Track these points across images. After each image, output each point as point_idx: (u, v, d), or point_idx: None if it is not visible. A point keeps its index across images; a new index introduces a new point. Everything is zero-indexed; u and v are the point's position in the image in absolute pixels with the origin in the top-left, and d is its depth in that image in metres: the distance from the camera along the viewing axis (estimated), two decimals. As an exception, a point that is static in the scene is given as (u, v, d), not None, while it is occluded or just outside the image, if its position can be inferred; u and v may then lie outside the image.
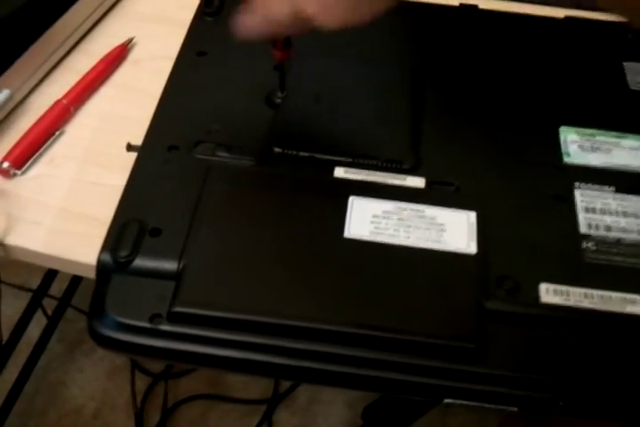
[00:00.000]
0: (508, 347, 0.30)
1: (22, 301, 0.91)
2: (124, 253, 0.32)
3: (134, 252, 0.32)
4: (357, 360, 0.30)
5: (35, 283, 0.91)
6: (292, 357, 0.30)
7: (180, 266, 0.31)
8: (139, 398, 0.89)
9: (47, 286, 0.91)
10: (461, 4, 0.46)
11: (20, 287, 0.92)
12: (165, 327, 0.30)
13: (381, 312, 0.31)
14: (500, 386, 0.30)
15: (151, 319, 0.30)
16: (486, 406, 0.30)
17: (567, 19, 0.46)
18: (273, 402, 0.89)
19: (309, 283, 0.31)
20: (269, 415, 0.89)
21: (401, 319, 0.30)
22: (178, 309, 0.30)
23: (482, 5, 0.46)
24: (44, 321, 0.91)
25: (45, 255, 0.36)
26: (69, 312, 0.94)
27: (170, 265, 0.32)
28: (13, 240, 0.36)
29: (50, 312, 0.92)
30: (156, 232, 0.33)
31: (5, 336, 0.87)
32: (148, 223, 0.33)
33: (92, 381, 0.92)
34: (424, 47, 0.43)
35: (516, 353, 0.30)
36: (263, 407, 0.89)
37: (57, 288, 0.93)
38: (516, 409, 0.30)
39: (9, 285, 0.92)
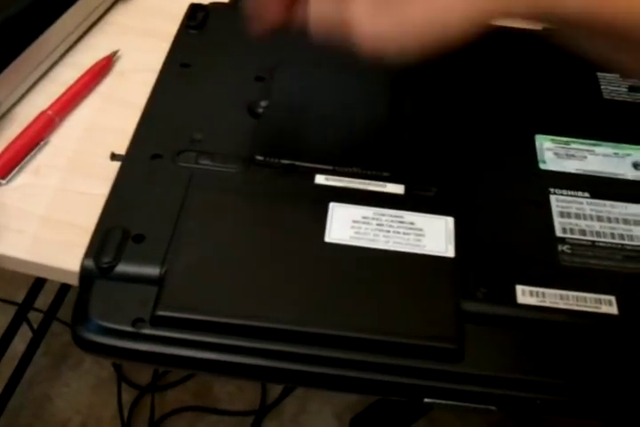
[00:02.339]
0: (486, 347, 0.31)
1: (8, 315, 0.90)
2: (106, 259, 0.32)
3: (117, 257, 0.32)
4: (338, 362, 0.30)
5: (20, 296, 0.91)
6: (273, 359, 0.30)
7: (163, 271, 0.32)
8: (125, 411, 0.89)
9: (32, 300, 0.91)
10: None
11: (5, 301, 0.91)
12: (148, 331, 0.30)
13: (362, 314, 0.31)
14: (478, 385, 0.30)
15: (134, 323, 0.31)
16: (465, 405, 0.31)
17: (544, 30, 0.47)
18: (260, 413, 0.89)
19: (291, 286, 0.32)
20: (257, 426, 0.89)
21: (381, 320, 0.31)
22: (160, 312, 0.31)
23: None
24: (29, 335, 0.91)
25: (30, 263, 0.36)
26: (55, 326, 0.94)
27: (152, 270, 0.32)
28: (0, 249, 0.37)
29: (35, 326, 0.91)
30: (138, 238, 0.33)
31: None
32: (131, 230, 0.33)
33: (78, 394, 0.91)
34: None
35: (493, 353, 0.31)
36: (251, 419, 0.89)
37: (42, 302, 0.93)
38: (494, 408, 0.31)
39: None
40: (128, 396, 0.90)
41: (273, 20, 0.32)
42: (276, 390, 0.90)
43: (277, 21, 0.32)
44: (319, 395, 0.91)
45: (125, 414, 0.89)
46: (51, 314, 0.93)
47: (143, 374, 0.91)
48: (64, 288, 0.94)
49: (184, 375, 0.91)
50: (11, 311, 0.90)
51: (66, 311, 0.94)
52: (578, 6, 0.25)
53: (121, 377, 0.91)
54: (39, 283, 0.91)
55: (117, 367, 0.91)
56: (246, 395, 0.91)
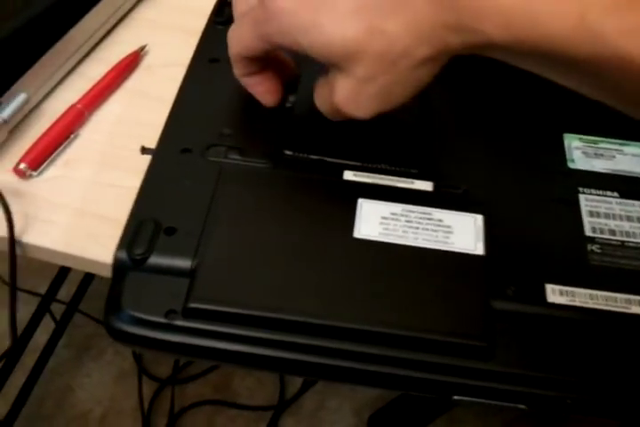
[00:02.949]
0: (516, 345, 0.31)
1: (31, 306, 0.92)
2: (139, 251, 0.32)
3: (149, 250, 0.33)
4: (368, 357, 0.31)
5: (43, 288, 0.92)
6: (303, 352, 0.31)
7: (194, 263, 0.32)
8: (145, 404, 0.90)
9: (55, 291, 0.92)
10: None
11: (29, 292, 0.93)
12: (180, 322, 0.31)
13: (391, 309, 0.31)
14: (508, 384, 0.30)
15: (166, 315, 0.31)
16: (494, 403, 0.31)
17: None
18: (279, 409, 0.90)
19: (321, 280, 0.32)
20: (275, 422, 0.89)
21: (410, 317, 0.31)
22: (192, 304, 0.31)
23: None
24: (52, 326, 0.92)
25: (61, 253, 0.37)
26: (77, 317, 0.95)
27: (184, 263, 0.32)
28: (30, 239, 0.37)
29: (58, 317, 0.92)
30: (170, 231, 0.34)
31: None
32: (162, 222, 0.34)
33: (100, 385, 0.93)
34: None
35: (523, 351, 0.31)
36: (269, 414, 0.90)
37: (65, 293, 0.94)
38: (524, 407, 0.31)
39: (18, 290, 0.92)
40: (148, 388, 0.91)
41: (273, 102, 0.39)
42: (295, 385, 0.91)
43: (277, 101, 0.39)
44: (338, 391, 0.92)
45: (145, 406, 0.90)
46: (73, 305, 0.94)
47: (164, 367, 0.92)
48: (86, 280, 0.95)
49: (204, 369, 0.92)
50: (34, 303, 0.91)
51: (88, 303, 0.95)
52: (502, 37, 0.28)
53: (142, 369, 0.92)
54: (62, 275, 0.92)
55: (138, 359, 0.92)
56: (265, 390, 0.92)
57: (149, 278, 0.32)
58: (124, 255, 0.33)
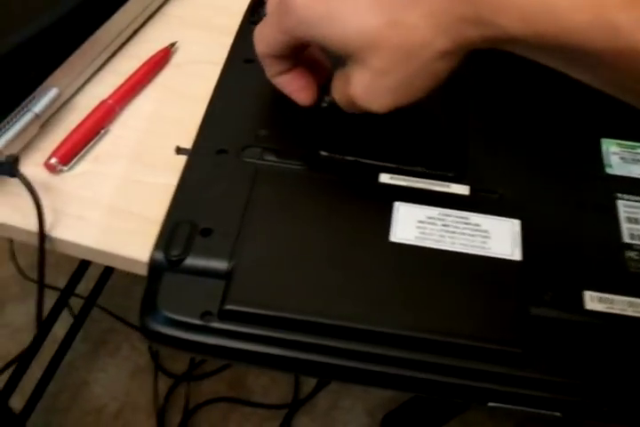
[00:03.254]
0: (553, 352, 0.31)
1: (50, 299, 0.92)
2: (175, 252, 0.32)
3: (186, 251, 0.32)
4: (404, 362, 0.30)
5: (62, 282, 0.92)
6: (339, 356, 0.31)
7: (231, 265, 0.32)
8: (160, 399, 0.90)
9: (74, 286, 0.93)
10: None
11: (48, 286, 0.93)
12: (216, 324, 0.31)
13: (428, 314, 0.31)
14: (543, 391, 0.30)
15: (202, 316, 0.31)
16: (530, 410, 0.30)
17: None
18: (293, 407, 0.90)
19: (357, 284, 0.32)
20: (289, 420, 0.89)
21: (447, 322, 0.31)
22: (229, 306, 0.31)
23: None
24: (69, 320, 0.92)
25: (90, 249, 0.37)
26: (95, 312, 0.95)
27: (220, 264, 0.32)
28: (59, 234, 0.37)
29: (76, 311, 0.93)
30: (206, 232, 0.33)
31: (32, 334, 0.88)
32: (198, 224, 0.34)
33: (115, 381, 0.93)
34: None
35: (560, 358, 0.30)
36: (283, 412, 0.90)
37: (84, 288, 0.94)
38: (559, 415, 0.30)
39: (37, 283, 0.93)
40: (164, 384, 0.92)
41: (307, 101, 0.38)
42: (309, 384, 0.91)
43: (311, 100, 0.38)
44: (352, 391, 0.92)
45: (160, 402, 0.90)
46: (91, 300, 0.94)
47: (179, 363, 0.93)
48: (105, 275, 0.95)
49: (219, 366, 0.92)
50: (52, 297, 0.91)
51: (106, 298, 0.95)
52: (520, 30, 0.28)
53: (157, 366, 0.92)
54: (81, 269, 0.93)
55: (154, 356, 0.93)
56: (280, 388, 0.92)
57: (185, 280, 0.32)
58: (160, 256, 0.32)
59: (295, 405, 0.90)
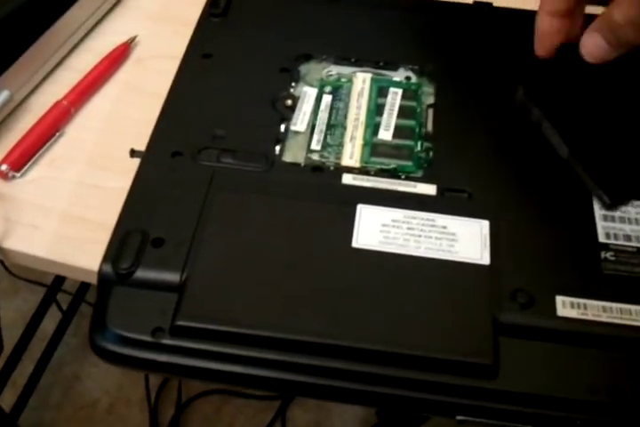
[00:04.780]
0: (523, 362, 0.29)
1: (38, 295, 0.91)
2: (125, 265, 0.31)
3: (136, 263, 0.31)
4: (366, 376, 0.29)
5: (49, 278, 0.92)
6: (298, 372, 0.29)
7: (183, 278, 0.31)
8: (153, 393, 0.90)
9: (61, 282, 0.92)
10: (476, 2, 0.44)
11: (36, 282, 0.92)
12: (167, 341, 0.29)
13: (390, 326, 0.29)
14: (514, 404, 0.29)
15: (153, 333, 0.29)
16: (500, 423, 0.29)
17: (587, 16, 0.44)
18: (287, 398, 0.89)
19: (317, 295, 0.30)
20: (283, 412, 0.89)
21: (411, 333, 0.29)
22: (180, 322, 0.29)
23: (496, 3, 0.44)
24: (59, 316, 0.92)
25: (45, 260, 0.36)
26: (84, 307, 0.94)
27: (172, 277, 0.31)
28: (12, 244, 0.36)
29: (65, 307, 0.92)
30: (158, 242, 0.32)
31: (21, 330, 0.88)
32: (150, 233, 0.32)
33: (107, 375, 0.92)
34: (436, 48, 0.41)
35: (531, 369, 0.29)
36: (277, 404, 0.89)
37: (72, 283, 0.93)
38: (530, 428, 0.29)
39: (25, 280, 0.92)
40: (156, 378, 0.91)
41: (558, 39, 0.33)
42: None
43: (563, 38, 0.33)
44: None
45: (153, 396, 0.89)
46: (79, 296, 0.93)
47: (170, 357, 0.92)
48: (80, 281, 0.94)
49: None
50: (41, 293, 0.91)
51: (94, 294, 0.94)
52: None
53: (148, 359, 0.91)
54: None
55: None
56: (272, 379, 0.91)
57: (136, 294, 0.30)
58: (109, 269, 0.31)
59: (289, 396, 0.89)
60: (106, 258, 0.31)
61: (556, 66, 0.35)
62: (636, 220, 0.33)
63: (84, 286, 0.94)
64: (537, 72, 0.36)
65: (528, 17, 0.43)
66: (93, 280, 0.34)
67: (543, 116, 0.35)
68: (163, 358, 0.29)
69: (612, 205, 0.33)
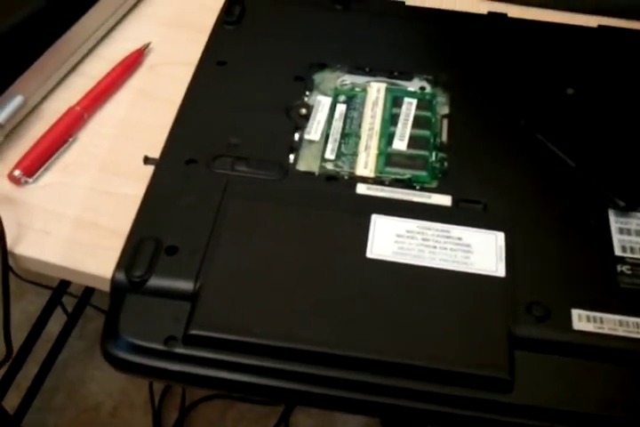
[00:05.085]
0: (539, 376, 0.29)
1: (43, 298, 0.91)
2: (138, 273, 0.31)
3: (149, 271, 0.31)
4: (382, 389, 0.29)
5: (55, 281, 0.91)
6: (311, 383, 0.29)
7: (197, 286, 0.30)
8: (157, 397, 0.89)
9: (67, 285, 0.92)
10: (490, 13, 0.44)
11: (41, 285, 0.92)
12: (180, 350, 0.29)
13: (405, 337, 0.29)
14: (529, 418, 0.28)
15: (166, 342, 0.29)
16: (514, 438, 0.29)
17: (600, 28, 0.44)
18: (290, 404, 0.89)
19: (331, 305, 0.30)
20: (287, 417, 0.88)
21: (425, 345, 0.29)
22: (193, 331, 0.29)
23: (511, 14, 0.44)
24: (64, 318, 0.91)
25: (57, 266, 0.36)
26: (89, 310, 0.94)
27: (186, 285, 0.31)
28: (23, 250, 0.36)
29: (70, 310, 0.92)
30: (172, 250, 0.32)
31: (26, 333, 0.87)
32: (164, 241, 0.32)
33: (111, 378, 0.92)
34: (450, 58, 0.41)
35: (546, 383, 0.29)
36: (281, 409, 0.89)
37: (78, 286, 0.93)
38: (545, 443, 0.29)
39: (31, 283, 0.92)
40: (161, 383, 0.91)
41: None
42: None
43: None
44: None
45: (157, 400, 0.89)
46: (85, 299, 0.93)
47: (174, 361, 0.92)
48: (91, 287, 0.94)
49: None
50: (47, 295, 0.90)
51: (98, 297, 0.94)
52: None
53: (153, 363, 0.91)
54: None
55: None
56: (277, 385, 0.91)
57: (149, 302, 0.30)
58: (122, 277, 0.31)
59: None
60: (119, 265, 0.31)
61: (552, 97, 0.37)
62: (652, 233, 0.33)
63: (90, 290, 0.93)
64: (535, 105, 0.38)
65: (541, 28, 0.43)
66: (105, 287, 0.34)
67: (545, 140, 0.36)
68: (175, 366, 0.29)
69: (626, 207, 0.33)
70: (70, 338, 0.92)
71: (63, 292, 0.91)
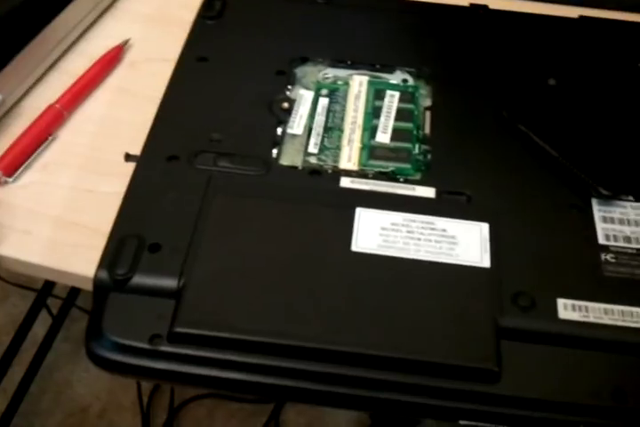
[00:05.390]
0: (526, 366, 0.29)
1: (27, 300, 0.90)
2: (121, 271, 0.30)
3: (132, 269, 0.30)
4: (368, 382, 0.29)
5: (39, 282, 0.91)
6: (299, 379, 0.29)
7: (181, 283, 0.30)
8: (145, 398, 0.89)
9: (51, 287, 0.91)
10: (472, 4, 0.44)
11: (25, 287, 0.91)
12: (165, 348, 0.29)
13: (391, 330, 0.29)
14: (517, 408, 0.28)
15: (150, 340, 0.29)
16: (503, 428, 0.29)
17: (581, 18, 0.44)
18: (280, 402, 0.88)
19: (317, 300, 0.30)
20: (277, 415, 0.88)
21: (412, 338, 0.29)
22: (178, 329, 0.29)
23: (492, 5, 0.44)
24: (49, 320, 0.91)
25: (39, 266, 0.35)
26: (75, 311, 0.93)
27: (169, 282, 0.30)
28: (5, 251, 0.35)
29: (55, 311, 0.91)
30: (155, 248, 0.31)
31: (11, 335, 0.87)
32: (146, 238, 0.32)
33: (98, 380, 0.91)
34: (432, 50, 0.41)
35: (533, 373, 0.29)
36: (270, 407, 0.88)
37: (62, 287, 0.92)
38: (533, 432, 0.29)
39: (15, 284, 0.91)
40: (148, 383, 0.90)
41: None
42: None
43: None
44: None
45: (145, 400, 0.89)
46: (70, 301, 0.92)
47: (162, 361, 0.91)
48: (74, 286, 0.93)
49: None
50: (31, 297, 0.90)
51: (84, 298, 0.93)
52: None
53: (140, 364, 0.91)
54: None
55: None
56: (266, 382, 0.90)
57: (132, 300, 0.30)
58: (104, 275, 0.30)
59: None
60: (102, 264, 0.31)
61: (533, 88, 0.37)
62: (636, 221, 0.33)
63: (75, 291, 0.93)
64: (517, 96, 0.38)
65: (523, 19, 0.43)
66: (88, 286, 0.34)
67: (528, 130, 0.36)
68: (160, 365, 0.29)
69: (610, 196, 0.34)
70: (56, 340, 0.92)
71: (48, 294, 0.91)
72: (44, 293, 0.90)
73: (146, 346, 0.29)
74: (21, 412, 0.86)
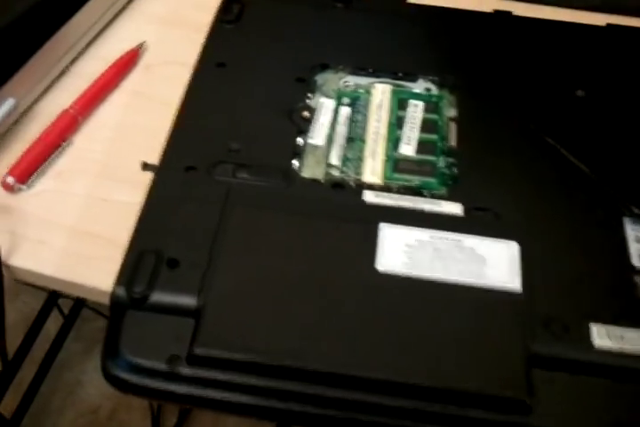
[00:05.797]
0: (558, 396, 0.28)
1: (38, 298, 0.90)
2: (139, 289, 0.29)
3: (150, 286, 0.29)
4: (396, 411, 0.27)
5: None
6: (324, 406, 0.28)
7: (200, 302, 0.29)
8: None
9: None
10: (495, 11, 0.43)
11: (38, 287, 0.90)
12: (184, 371, 0.28)
13: (417, 357, 0.28)
14: None
15: (169, 361, 0.28)
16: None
17: (609, 26, 0.42)
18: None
19: (340, 323, 0.29)
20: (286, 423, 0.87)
21: (439, 365, 0.28)
22: (197, 351, 0.28)
23: (516, 11, 0.43)
24: (60, 320, 0.90)
25: (52, 278, 0.34)
26: (86, 311, 0.93)
27: (189, 301, 0.29)
28: (18, 261, 0.34)
29: (66, 311, 0.90)
30: (173, 263, 0.30)
31: (22, 335, 0.86)
32: (164, 253, 0.31)
33: (109, 381, 0.91)
34: (456, 58, 0.40)
35: (566, 403, 0.27)
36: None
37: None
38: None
39: (26, 284, 0.91)
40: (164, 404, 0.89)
41: None
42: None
43: None
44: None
45: (155, 403, 0.88)
46: (81, 301, 0.92)
47: (173, 363, 0.90)
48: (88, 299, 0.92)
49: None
50: (43, 297, 0.89)
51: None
52: None
53: (151, 365, 0.90)
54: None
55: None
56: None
57: (151, 319, 0.29)
58: (122, 293, 0.29)
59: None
60: (119, 281, 0.30)
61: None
62: (671, 241, 0.32)
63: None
64: (544, 108, 0.37)
65: (548, 27, 0.42)
66: (102, 299, 0.33)
67: (556, 144, 0.35)
68: (179, 388, 0.28)
69: None
70: (67, 340, 0.91)
71: (59, 294, 0.90)
72: (56, 292, 0.90)
73: (164, 368, 0.28)
74: (32, 412, 0.85)
